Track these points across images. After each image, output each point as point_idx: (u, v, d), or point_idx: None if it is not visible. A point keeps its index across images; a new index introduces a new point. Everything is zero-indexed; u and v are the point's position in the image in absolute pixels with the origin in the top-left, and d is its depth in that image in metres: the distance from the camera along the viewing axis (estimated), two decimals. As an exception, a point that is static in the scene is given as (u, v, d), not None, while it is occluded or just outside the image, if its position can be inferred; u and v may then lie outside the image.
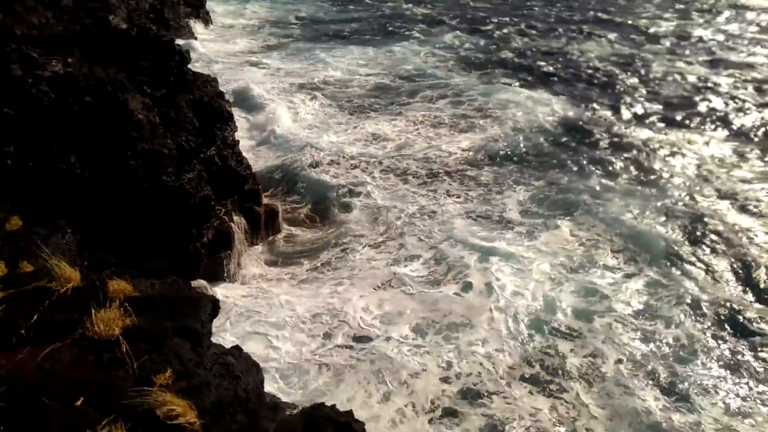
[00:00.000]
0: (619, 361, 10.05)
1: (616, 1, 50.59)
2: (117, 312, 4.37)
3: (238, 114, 18.46)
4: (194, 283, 11.59)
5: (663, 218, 14.71)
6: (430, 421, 8.78)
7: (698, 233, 14.02)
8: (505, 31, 41.28)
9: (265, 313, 11.35)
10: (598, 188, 16.26)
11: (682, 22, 40.28)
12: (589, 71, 29.24)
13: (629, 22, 41.81)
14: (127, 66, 13.36)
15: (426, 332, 10.62)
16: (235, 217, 14.63)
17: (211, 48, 34.42)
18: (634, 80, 27.59)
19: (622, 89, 26.12)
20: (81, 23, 17.19)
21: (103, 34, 15.28)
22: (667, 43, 34.56)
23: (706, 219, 14.63)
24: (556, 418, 8.89)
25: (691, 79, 27.33)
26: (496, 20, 46.99)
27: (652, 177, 17.22)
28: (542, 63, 31.32)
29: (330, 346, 10.34)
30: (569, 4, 50.23)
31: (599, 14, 46.29)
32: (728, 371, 9.92)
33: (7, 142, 10.88)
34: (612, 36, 37.18)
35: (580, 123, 21.48)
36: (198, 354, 4.61)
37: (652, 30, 38.33)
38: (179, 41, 17.66)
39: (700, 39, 35.71)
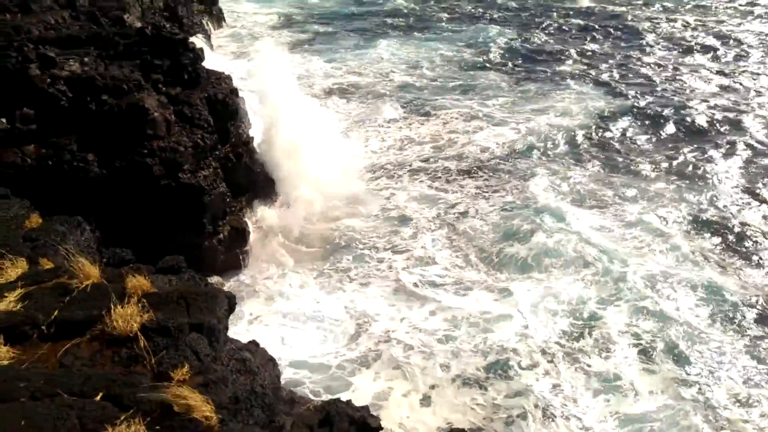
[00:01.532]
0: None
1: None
2: (135, 308, 4.41)
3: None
4: (210, 279, 11.75)
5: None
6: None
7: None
8: (534, 25, 40.90)
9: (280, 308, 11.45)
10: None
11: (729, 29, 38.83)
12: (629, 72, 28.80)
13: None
14: (143, 64, 13.48)
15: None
16: (250, 213, 14.74)
17: (224, 47, 34.58)
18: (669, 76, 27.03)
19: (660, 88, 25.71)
20: (97, 22, 17.39)
21: (119, 33, 15.44)
22: (711, 53, 33.25)
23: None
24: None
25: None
26: (524, 15, 46.57)
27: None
28: (584, 60, 31.00)
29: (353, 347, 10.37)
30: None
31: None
32: None
33: (27, 141, 11.06)
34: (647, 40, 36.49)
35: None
36: (215, 349, 4.65)
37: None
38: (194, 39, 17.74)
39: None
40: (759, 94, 24.11)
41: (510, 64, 30.06)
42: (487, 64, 29.84)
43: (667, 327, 10.44)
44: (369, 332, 10.70)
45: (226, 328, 4.97)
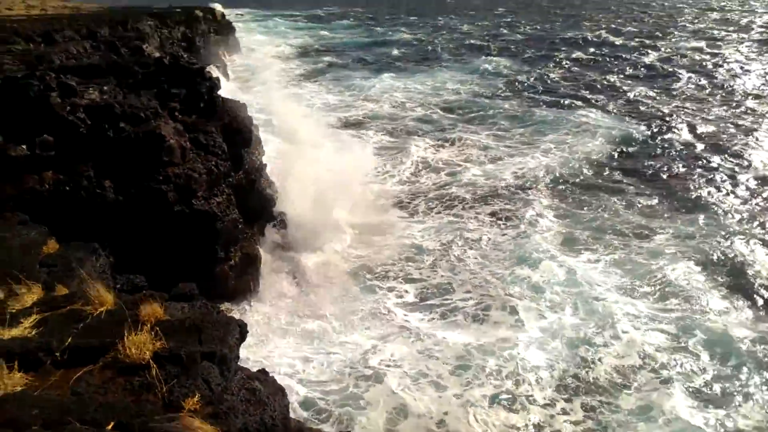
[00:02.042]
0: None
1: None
2: (148, 335, 4.43)
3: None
4: (221, 306, 11.77)
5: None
6: None
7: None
8: (541, 56, 41.64)
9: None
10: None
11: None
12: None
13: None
14: (160, 93, 13.78)
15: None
16: (262, 239, 14.83)
17: (240, 76, 35.28)
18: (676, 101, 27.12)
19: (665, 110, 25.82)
20: (117, 52, 17.89)
21: (138, 62, 15.85)
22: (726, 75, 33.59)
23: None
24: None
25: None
26: (531, 45, 47.43)
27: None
28: (587, 87, 31.38)
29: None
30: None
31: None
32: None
33: (45, 167, 11.27)
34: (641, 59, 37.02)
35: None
36: (225, 379, 4.63)
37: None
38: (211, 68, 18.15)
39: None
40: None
41: (522, 94, 30.46)
42: (499, 95, 30.23)
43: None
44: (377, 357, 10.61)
45: (237, 357, 4.96)
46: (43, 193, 10.67)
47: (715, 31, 50.57)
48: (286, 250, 14.68)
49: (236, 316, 11.22)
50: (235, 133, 13.97)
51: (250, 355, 10.20)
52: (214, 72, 17.65)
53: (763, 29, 50.89)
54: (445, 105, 28.37)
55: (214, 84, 14.62)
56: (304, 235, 14.92)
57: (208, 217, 12.17)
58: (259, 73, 35.84)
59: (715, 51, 40.95)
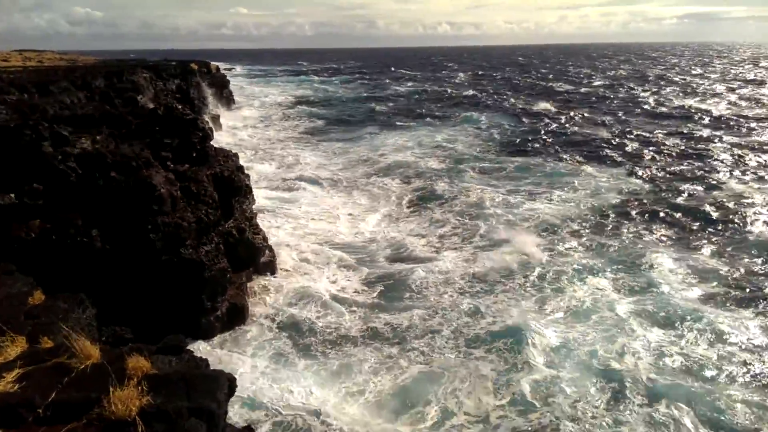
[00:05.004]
0: None
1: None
2: (134, 390, 4.30)
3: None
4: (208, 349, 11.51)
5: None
6: None
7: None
8: (533, 109, 44.07)
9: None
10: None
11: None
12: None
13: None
14: (153, 142, 13.91)
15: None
16: (251, 288, 14.66)
17: (232, 127, 35.98)
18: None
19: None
20: (111, 103, 18.14)
21: (132, 113, 16.07)
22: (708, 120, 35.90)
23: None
24: None
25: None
26: (524, 99, 49.96)
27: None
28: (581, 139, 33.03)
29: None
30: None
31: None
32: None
33: (32, 216, 11.20)
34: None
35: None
36: (213, 435, 4.49)
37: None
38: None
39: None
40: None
41: (513, 149, 31.98)
42: (498, 149, 31.91)
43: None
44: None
45: (226, 413, 4.82)
46: (30, 241, 10.55)
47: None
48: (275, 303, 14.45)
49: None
50: (226, 182, 14.06)
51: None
52: (207, 123, 17.89)
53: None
54: (450, 158, 30.38)
55: (207, 134, 14.83)
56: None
57: (196, 265, 12.06)
58: (253, 123, 36.71)
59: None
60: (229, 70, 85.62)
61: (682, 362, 11.38)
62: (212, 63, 45.70)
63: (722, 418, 9.69)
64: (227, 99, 41.18)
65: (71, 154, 12.24)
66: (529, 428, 9.59)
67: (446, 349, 12.04)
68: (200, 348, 11.89)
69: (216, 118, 30.99)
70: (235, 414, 9.41)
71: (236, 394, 5.53)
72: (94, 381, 4.48)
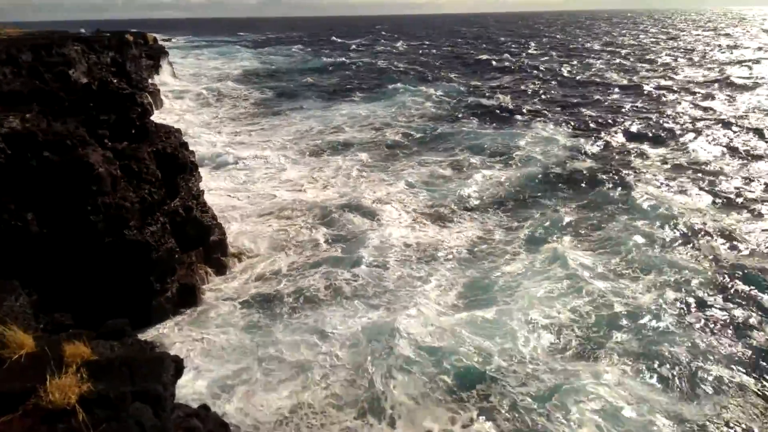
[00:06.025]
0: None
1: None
2: (73, 378, 4.16)
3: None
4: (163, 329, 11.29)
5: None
6: None
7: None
8: (494, 74, 45.39)
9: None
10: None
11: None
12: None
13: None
14: (88, 120, 13.22)
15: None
16: (201, 267, 14.35)
17: (175, 102, 34.60)
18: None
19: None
20: (41, 78, 17.07)
21: (64, 88, 15.19)
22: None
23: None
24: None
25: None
26: (486, 66, 51.07)
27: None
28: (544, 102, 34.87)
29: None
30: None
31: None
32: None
33: (-41, 201, 10.53)
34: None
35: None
36: (161, 418, 4.40)
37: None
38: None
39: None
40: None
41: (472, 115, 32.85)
42: (455, 115, 32.79)
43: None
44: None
45: (173, 395, 4.74)
46: (-42, 228, 9.94)
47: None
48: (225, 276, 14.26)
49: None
50: (169, 159, 13.56)
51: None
52: (147, 98, 17.13)
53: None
54: (406, 129, 30.64)
55: (146, 109, 14.23)
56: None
57: (142, 247, 11.69)
58: (198, 97, 35.40)
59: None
60: (168, 41, 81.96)
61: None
62: (149, 34, 43.55)
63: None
64: (169, 72, 39.49)
65: (-2, 134, 11.50)
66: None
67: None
68: (160, 332, 11.73)
69: (156, 93, 29.73)
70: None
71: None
72: (30, 370, 4.30)
